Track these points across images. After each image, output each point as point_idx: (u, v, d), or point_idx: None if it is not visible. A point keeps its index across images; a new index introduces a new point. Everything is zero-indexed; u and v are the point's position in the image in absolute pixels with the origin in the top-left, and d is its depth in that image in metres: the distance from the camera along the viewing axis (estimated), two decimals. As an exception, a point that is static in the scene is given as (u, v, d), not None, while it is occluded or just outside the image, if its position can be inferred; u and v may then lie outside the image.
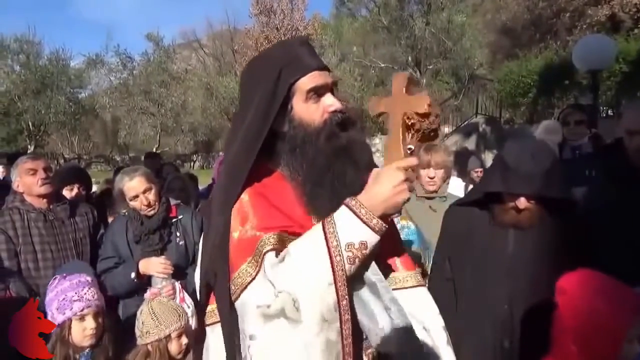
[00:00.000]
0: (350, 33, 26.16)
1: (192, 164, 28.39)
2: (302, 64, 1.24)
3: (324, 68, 1.27)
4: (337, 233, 1.10)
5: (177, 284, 2.57)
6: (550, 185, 1.71)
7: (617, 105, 11.90)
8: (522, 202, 1.75)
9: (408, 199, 1.15)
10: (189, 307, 2.52)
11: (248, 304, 1.12)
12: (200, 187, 5.46)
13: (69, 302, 2.03)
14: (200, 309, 2.60)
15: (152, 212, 2.72)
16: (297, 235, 1.17)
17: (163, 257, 2.62)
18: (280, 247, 1.15)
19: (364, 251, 1.11)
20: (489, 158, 11.70)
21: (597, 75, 7.76)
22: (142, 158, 8.18)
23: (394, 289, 1.29)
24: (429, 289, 1.43)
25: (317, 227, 1.13)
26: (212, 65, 31.54)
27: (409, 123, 1.18)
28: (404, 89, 1.20)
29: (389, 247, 1.30)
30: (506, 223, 1.84)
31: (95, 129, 30.38)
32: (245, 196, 1.23)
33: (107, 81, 28.01)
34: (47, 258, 2.74)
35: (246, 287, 1.13)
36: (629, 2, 15.17)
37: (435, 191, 2.90)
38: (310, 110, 1.23)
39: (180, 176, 4.74)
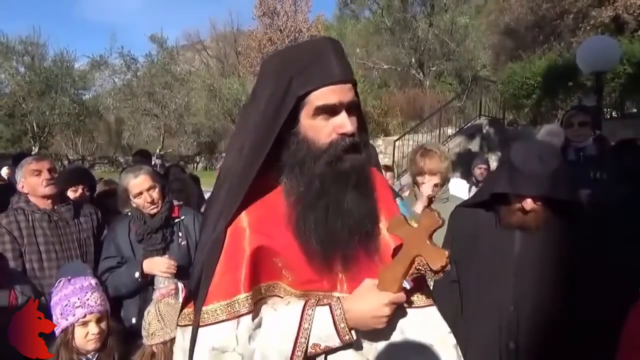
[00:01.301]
0: (354, 34, 26.15)
1: (195, 165, 28.42)
2: (318, 75, 1.12)
3: (346, 80, 1.15)
4: (309, 331, 1.13)
5: (180, 284, 2.57)
6: (557, 187, 1.71)
7: (621, 107, 11.86)
8: (528, 204, 1.75)
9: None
10: (192, 307, 2.53)
11: (203, 341, 1.14)
12: (204, 188, 5.47)
13: (72, 307, 2.04)
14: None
15: (155, 210, 2.73)
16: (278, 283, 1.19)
17: (167, 256, 2.63)
18: (255, 300, 1.16)
19: (325, 350, 1.15)
20: (492, 160, 11.70)
21: (601, 76, 7.73)
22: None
23: (401, 308, 1.25)
24: (435, 291, 1.42)
25: (296, 313, 1.14)
26: (216, 66, 31.61)
27: (417, 267, 1.14)
28: (430, 234, 1.13)
29: None
30: (512, 224, 1.83)
31: (99, 130, 30.49)
32: (244, 222, 1.18)
33: (111, 82, 28.15)
34: (52, 258, 2.76)
35: (206, 325, 1.14)
36: (633, 3, 15.12)
37: (434, 196, 2.89)
38: (317, 127, 1.14)
39: (180, 177, 4.75)
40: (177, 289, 2.55)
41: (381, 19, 23.72)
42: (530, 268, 1.80)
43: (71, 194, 3.40)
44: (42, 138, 24.32)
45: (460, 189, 5.01)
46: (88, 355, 2.07)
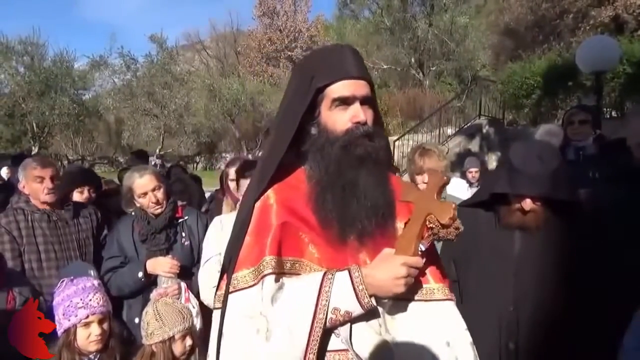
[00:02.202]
0: (353, 34, 26.12)
1: (195, 165, 28.41)
2: (335, 71, 1.28)
3: (360, 77, 1.29)
4: (330, 294, 1.18)
5: (183, 284, 2.58)
6: (556, 187, 1.71)
7: (621, 106, 11.85)
8: (527, 204, 1.75)
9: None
10: (194, 307, 2.53)
11: (233, 306, 1.22)
12: (204, 188, 5.47)
13: (74, 308, 2.04)
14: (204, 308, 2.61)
15: (159, 211, 2.74)
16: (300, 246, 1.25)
17: (170, 256, 2.64)
18: (279, 270, 1.22)
19: (346, 318, 1.19)
20: (492, 160, 11.70)
21: (601, 76, 7.74)
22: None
23: (420, 300, 1.30)
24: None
25: (316, 279, 1.20)
26: (215, 66, 31.61)
27: (429, 225, 1.21)
28: (437, 191, 1.22)
29: None
30: (512, 224, 1.83)
31: (98, 131, 30.39)
32: (272, 199, 1.29)
33: (111, 83, 28.05)
34: (51, 259, 2.77)
35: (238, 290, 1.23)
36: (632, 3, 15.12)
37: None
38: (334, 117, 1.28)
39: (181, 178, 4.76)
40: (180, 289, 2.56)
41: (381, 19, 23.68)
42: (530, 268, 1.80)
43: (77, 195, 3.38)
44: (41, 138, 24.25)
45: (459, 188, 5.01)
46: (90, 356, 2.07)
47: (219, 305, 1.31)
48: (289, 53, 26.11)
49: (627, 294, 1.69)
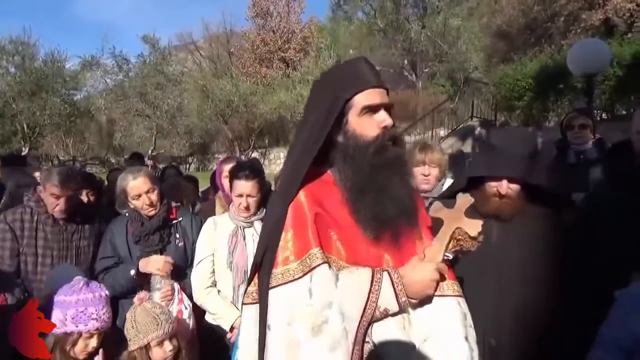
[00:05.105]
0: (347, 36, 26.19)
1: (187, 166, 28.26)
2: (360, 81, 1.38)
3: (381, 86, 1.41)
4: (379, 293, 1.29)
5: (176, 285, 2.56)
6: (533, 172, 1.71)
7: (611, 108, 11.98)
8: (504, 187, 1.72)
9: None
10: (186, 308, 2.51)
11: (279, 298, 1.28)
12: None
13: (87, 317, 2.02)
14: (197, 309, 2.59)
15: (153, 212, 2.73)
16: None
17: (164, 254, 2.62)
18: (327, 260, 1.30)
19: (382, 315, 1.31)
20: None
21: (592, 79, 7.81)
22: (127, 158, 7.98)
23: (435, 295, 1.40)
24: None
25: (367, 276, 1.30)
26: (208, 67, 31.50)
27: (457, 237, 1.39)
28: (465, 210, 1.45)
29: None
30: (488, 211, 1.76)
31: (90, 131, 30.12)
32: (303, 198, 1.35)
33: (103, 83, 27.84)
34: (46, 264, 2.74)
35: (285, 283, 1.28)
36: (622, 6, 15.29)
37: (430, 190, 2.86)
38: (364, 124, 1.37)
39: (176, 179, 4.74)
40: (173, 289, 2.53)
41: (374, 21, 23.77)
42: (509, 260, 1.75)
43: None
44: (32, 139, 23.99)
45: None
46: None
47: (248, 300, 1.42)
48: (282, 54, 26.06)
49: (609, 291, 1.70)
